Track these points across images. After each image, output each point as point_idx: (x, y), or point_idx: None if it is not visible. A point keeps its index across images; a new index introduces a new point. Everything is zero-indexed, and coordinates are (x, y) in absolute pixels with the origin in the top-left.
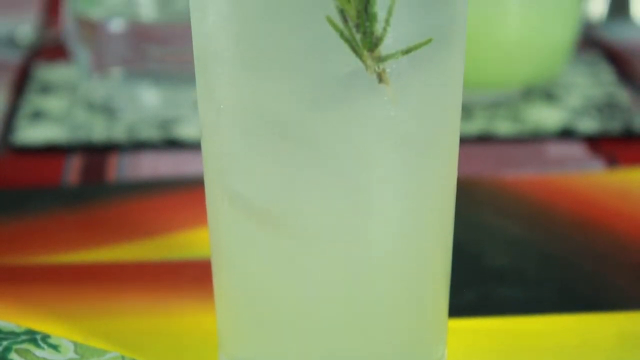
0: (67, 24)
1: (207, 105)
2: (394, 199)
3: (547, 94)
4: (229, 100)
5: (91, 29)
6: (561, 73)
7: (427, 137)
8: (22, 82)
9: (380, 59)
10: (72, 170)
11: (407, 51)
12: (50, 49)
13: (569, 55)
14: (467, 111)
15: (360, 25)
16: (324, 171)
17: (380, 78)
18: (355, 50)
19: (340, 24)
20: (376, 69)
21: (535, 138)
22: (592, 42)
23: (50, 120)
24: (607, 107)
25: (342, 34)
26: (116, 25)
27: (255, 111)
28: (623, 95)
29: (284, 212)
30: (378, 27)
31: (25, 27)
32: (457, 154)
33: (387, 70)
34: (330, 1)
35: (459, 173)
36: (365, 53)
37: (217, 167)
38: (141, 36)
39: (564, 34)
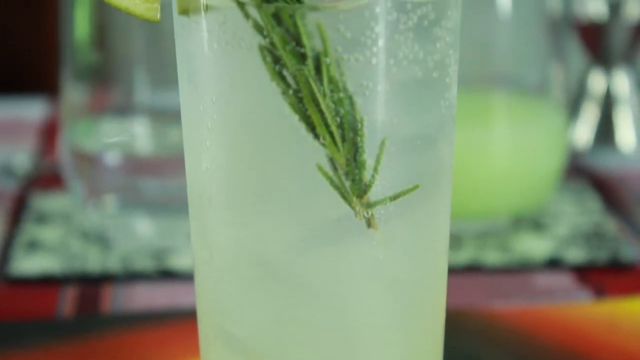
0: (63, 155)
1: (201, 247)
2: (383, 338)
3: (535, 223)
4: (222, 242)
5: (87, 161)
6: (549, 202)
7: (415, 278)
8: (18, 212)
9: (369, 205)
10: (67, 301)
11: (395, 197)
12: (47, 178)
13: (556, 184)
14: (456, 241)
15: (349, 173)
16: (315, 312)
17: (369, 223)
18: (344, 197)
19: (330, 172)
20: (365, 214)
21: (523, 268)
22: (578, 170)
23: (46, 251)
24: (594, 237)
25: (331, 182)
26: (111, 158)
27: (248, 254)
28: (610, 224)
29: (276, 352)
30: (367, 175)
31: (22, 156)
32: (445, 289)
33: (376, 215)
34: (321, 149)
35: (447, 304)
36: (355, 199)
37: (210, 306)
38: (136, 168)
39: (552, 163)
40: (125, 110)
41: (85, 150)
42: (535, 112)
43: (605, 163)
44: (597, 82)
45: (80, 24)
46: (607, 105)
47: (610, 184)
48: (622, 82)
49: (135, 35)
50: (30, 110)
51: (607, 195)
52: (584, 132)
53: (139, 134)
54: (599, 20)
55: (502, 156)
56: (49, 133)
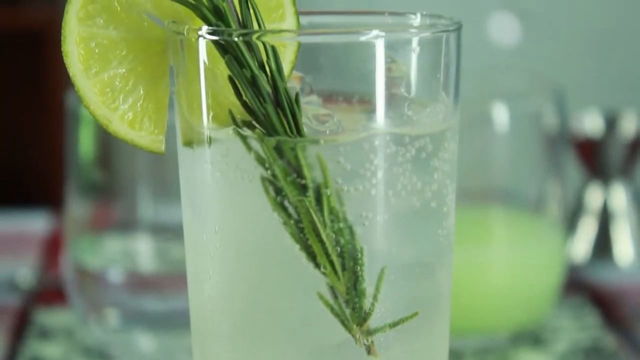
0: (66, 271)
1: None
2: None
3: (534, 338)
4: None
5: (89, 277)
6: (548, 317)
7: None
8: (21, 327)
9: (369, 333)
10: None
11: (395, 325)
12: (50, 293)
13: (555, 299)
14: (456, 357)
15: (349, 301)
16: None
17: (369, 350)
18: (344, 324)
19: (331, 300)
20: (365, 341)
21: None
22: (577, 285)
23: None
24: (593, 352)
25: (332, 309)
26: (114, 275)
27: None
28: (609, 339)
29: None
30: (366, 303)
31: (25, 271)
32: None
33: (376, 342)
34: (321, 278)
35: None
36: (355, 327)
37: None
38: (138, 285)
39: (550, 279)
40: (128, 226)
41: (88, 266)
42: (533, 228)
43: (603, 277)
44: (594, 196)
45: (84, 142)
46: (605, 219)
47: (609, 299)
48: (619, 196)
49: (139, 153)
50: (34, 224)
51: (605, 310)
52: (582, 246)
53: (142, 251)
54: (596, 136)
55: (500, 272)
56: (52, 247)
